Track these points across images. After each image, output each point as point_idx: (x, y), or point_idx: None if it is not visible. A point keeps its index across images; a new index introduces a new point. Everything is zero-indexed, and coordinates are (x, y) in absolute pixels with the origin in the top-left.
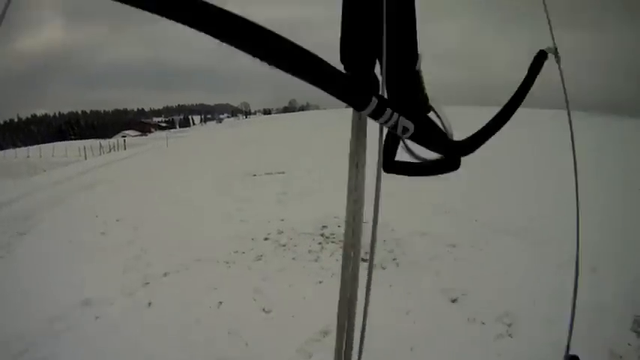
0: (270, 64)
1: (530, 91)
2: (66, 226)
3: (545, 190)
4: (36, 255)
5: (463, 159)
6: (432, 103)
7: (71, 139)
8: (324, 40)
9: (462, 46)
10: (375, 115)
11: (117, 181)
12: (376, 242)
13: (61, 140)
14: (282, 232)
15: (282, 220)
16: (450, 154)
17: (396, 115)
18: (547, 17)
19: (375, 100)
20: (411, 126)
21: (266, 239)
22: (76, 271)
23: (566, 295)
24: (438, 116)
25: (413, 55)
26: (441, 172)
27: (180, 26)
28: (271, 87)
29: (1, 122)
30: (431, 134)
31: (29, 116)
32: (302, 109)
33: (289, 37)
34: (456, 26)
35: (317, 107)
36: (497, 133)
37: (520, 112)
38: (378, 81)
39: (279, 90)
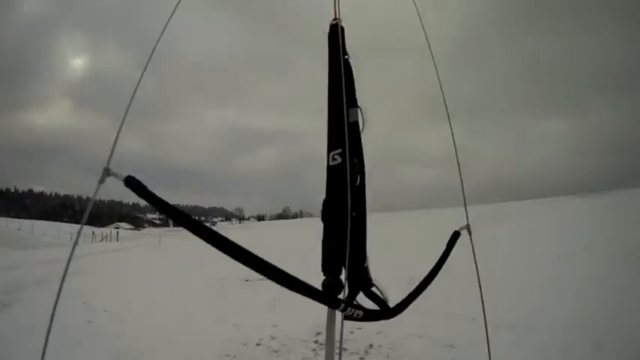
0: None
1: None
2: (51, 306)
3: (537, 280)
4: (18, 330)
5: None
6: (374, 282)
7: (64, 221)
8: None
9: (449, 152)
10: (342, 310)
11: (107, 272)
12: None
13: (54, 220)
14: (275, 337)
15: (275, 325)
16: (387, 314)
17: (353, 309)
18: (463, 198)
19: (341, 304)
20: (361, 313)
21: (258, 344)
22: (58, 354)
23: None
24: (379, 289)
25: (363, 258)
26: (381, 319)
27: (183, 128)
28: (266, 194)
29: None
30: (371, 313)
31: (26, 190)
32: (295, 216)
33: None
34: (440, 132)
35: (310, 215)
36: (490, 227)
37: (504, 205)
38: (342, 283)
39: (274, 197)
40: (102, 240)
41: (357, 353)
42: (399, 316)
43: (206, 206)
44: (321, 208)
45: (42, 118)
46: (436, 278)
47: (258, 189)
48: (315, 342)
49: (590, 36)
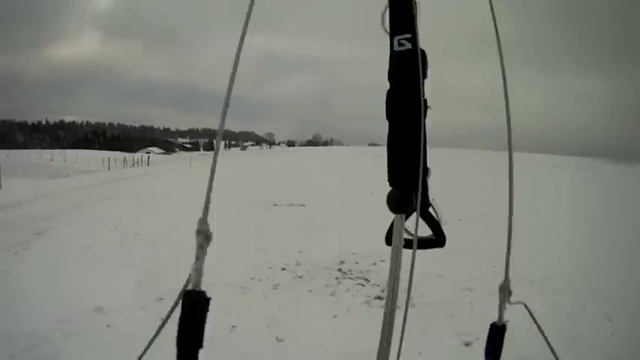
0: None
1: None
2: (84, 232)
3: (558, 237)
4: (52, 256)
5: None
6: (432, 201)
7: (96, 149)
8: (339, 77)
9: (483, 92)
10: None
11: (138, 196)
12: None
13: (85, 148)
14: (300, 263)
15: (301, 252)
16: (441, 237)
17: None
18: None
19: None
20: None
21: (283, 269)
22: (91, 277)
23: (581, 341)
24: (435, 211)
25: (426, 170)
26: (434, 247)
27: (212, 54)
28: (297, 120)
29: (30, 123)
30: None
31: (57, 121)
32: (325, 143)
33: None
34: (475, 72)
35: (340, 143)
36: (517, 181)
37: (541, 158)
38: (411, 198)
39: (304, 124)
40: (133, 165)
41: (379, 285)
42: (422, 254)
43: (237, 130)
44: (386, 104)
45: (72, 50)
46: (468, 220)
47: (289, 115)
48: (339, 270)
49: None
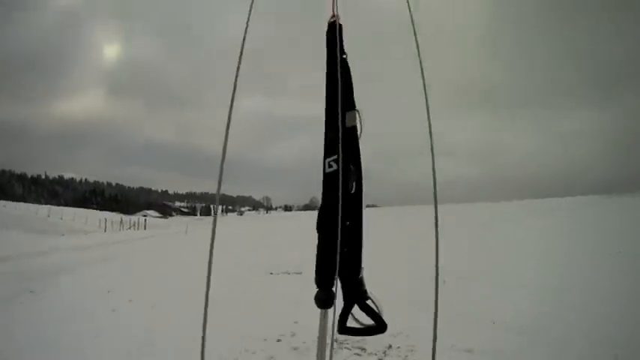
0: None
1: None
2: (76, 294)
3: (552, 285)
4: (42, 316)
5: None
6: (369, 294)
7: (93, 208)
8: None
9: (476, 142)
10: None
11: (133, 261)
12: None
13: (83, 207)
14: (295, 334)
15: (296, 322)
16: (381, 324)
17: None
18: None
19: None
20: (355, 327)
21: (279, 340)
22: (78, 344)
23: None
24: (374, 303)
25: (358, 270)
26: (375, 334)
27: (213, 119)
28: (294, 184)
29: (29, 176)
30: (364, 329)
31: (56, 176)
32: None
33: None
34: (469, 122)
35: None
36: (507, 231)
37: (536, 202)
38: (334, 296)
39: (301, 187)
40: (130, 227)
41: (375, 354)
42: (420, 319)
43: (234, 195)
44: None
45: (75, 106)
46: (461, 280)
47: (286, 179)
48: (336, 341)
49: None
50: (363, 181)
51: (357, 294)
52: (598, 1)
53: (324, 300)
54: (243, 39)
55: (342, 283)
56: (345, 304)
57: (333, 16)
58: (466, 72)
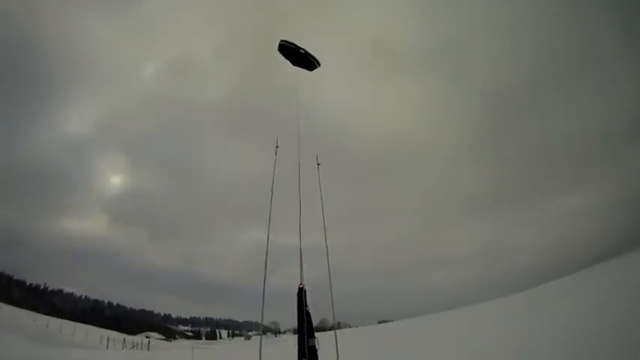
0: None
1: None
2: None
3: None
4: None
5: None
6: None
7: (93, 324)
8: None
9: (480, 244)
10: None
11: None
12: None
13: (82, 322)
14: None
15: None
16: None
17: None
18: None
19: None
20: None
21: None
22: None
23: None
24: None
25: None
26: None
27: (212, 246)
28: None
29: (28, 284)
30: None
31: (56, 289)
32: (332, 328)
33: None
34: (471, 228)
35: (348, 325)
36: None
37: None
38: None
39: (311, 309)
40: (133, 347)
41: None
42: None
43: (240, 320)
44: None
45: (78, 226)
46: None
47: (293, 303)
48: None
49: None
50: None
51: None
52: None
53: None
54: (271, 192)
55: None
56: None
57: (301, 283)
58: (449, 183)
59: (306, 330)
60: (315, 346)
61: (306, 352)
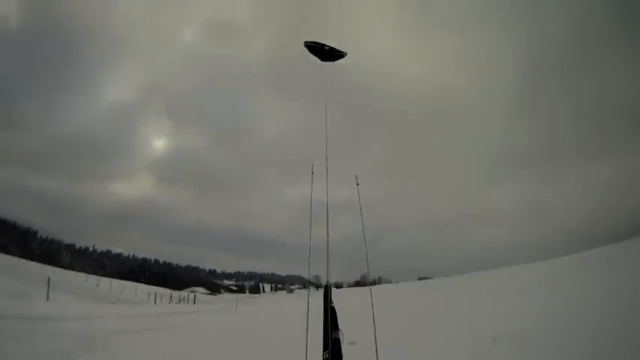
0: None
1: None
2: (133, 355)
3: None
4: None
5: None
6: None
7: (141, 282)
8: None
9: (521, 205)
10: None
11: (186, 331)
12: None
13: (131, 280)
14: None
15: None
16: None
17: None
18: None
19: None
20: None
21: None
22: None
23: None
24: None
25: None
26: None
27: (259, 202)
28: (344, 262)
29: (77, 247)
30: None
31: (104, 250)
32: (374, 282)
33: None
34: (517, 187)
35: (389, 281)
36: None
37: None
38: None
39: (351, 264)
40: (180, 302)
41: None
42: None
43: (283, 274)
44: None
45: (126, 189)
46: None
47: (335, 256)
48: None
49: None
50: None
51: None
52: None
53: None
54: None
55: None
56: None
57: (327, 281)
58: (495, 141)
59: (330, 323)
60: (338, 338)
61: (330, 345)
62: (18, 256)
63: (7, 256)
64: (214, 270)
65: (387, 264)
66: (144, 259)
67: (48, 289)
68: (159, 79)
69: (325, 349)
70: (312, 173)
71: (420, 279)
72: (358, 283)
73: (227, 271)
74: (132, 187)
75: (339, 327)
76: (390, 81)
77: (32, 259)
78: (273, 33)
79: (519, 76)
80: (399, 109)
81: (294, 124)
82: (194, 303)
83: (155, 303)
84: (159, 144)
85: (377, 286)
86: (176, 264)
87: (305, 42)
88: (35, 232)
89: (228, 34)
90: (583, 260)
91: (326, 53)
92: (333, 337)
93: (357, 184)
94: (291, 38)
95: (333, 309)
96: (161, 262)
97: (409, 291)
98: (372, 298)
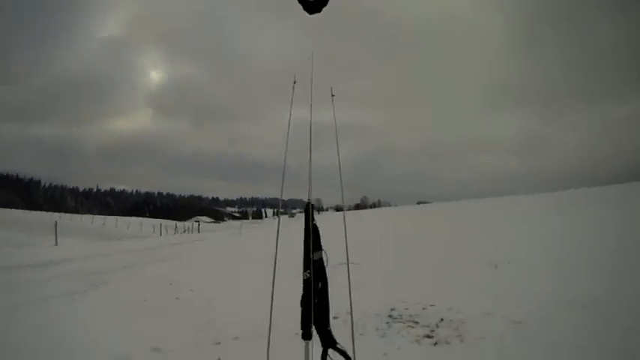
0: None
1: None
2: (140, 287)
3: (604, 262)
4: (109, 304)
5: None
6: (338, 345)
7: (146, 217)
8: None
9: (521, 136)
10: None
11: (191, 258)
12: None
13: (135, 215)
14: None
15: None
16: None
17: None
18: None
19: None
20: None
21: (335, 318)
22: (148, 323)
23: None
24: (342, 349)
25: (327, 323)
26: None
27: (258, 127)
28: (344, 184)
29: (81, 190)
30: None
31: (108, 189)
32: (374, 205)
33: None
34: (515, 116)
35: (388, 204)
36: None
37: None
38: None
39: (351, 188)
40: (184, 232)
41: (428, 326)
42: (471, 294)
43: (285, 198)
44: None
45: (124, 125)
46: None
47: (335, 180)
48: (389, 316)
49: None
50: None
51: (329, 340)
52: None
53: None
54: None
55: (317, 330)
56: (322, 346)
57: (309, 199)
58: (498, 72)
59: (312, 244)
60: (321, 258)
61: (311, 265)
62: (23, 209)
63: (14, 210)
64: (217, 198)
65: (386, 188)
66: (147, 194)
67: (56, 235)
68: (147, 10)
69: (306, 269)
70: (295, 83)
71: (419, 203)
72: (358, 206)
73: (229, 198)
74: (130, 122)
75: (323, 248)
76: (396, 5)
77: (38, 209)
78: None
79: (526, 8)
80: (402, 34)
81: (288, 47)
82: (198, 232)
83: (161, 235)
84: (154, 76)
85: (375, 209)
86: (179, 195)
87: None
88: (38, 182)
89: None
90: (581, 196)
91: (311, 4)
92: (315, 258)
93: (333, 95)
94: None
95: (315, 227)
96: (164, 194)
97: (405, 214)
98: (345, 222)
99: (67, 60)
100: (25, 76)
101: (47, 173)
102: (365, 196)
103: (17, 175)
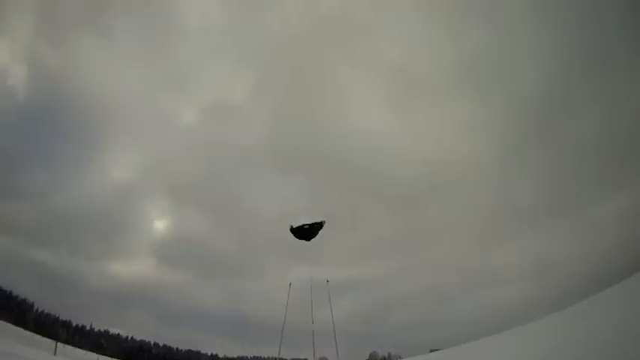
0: None
1: None
2: None
3: None
4: None
5: None
6: None
7: None
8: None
9: (529, 259)
10: None
11: None
12: None
13: None
14: None
15: None
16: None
17: None
18: None
19: None
20: None
21: None
22: None
23: None
24: None
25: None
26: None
27: (262, 284)
28: (350, 341)
29: (74, 324)
30: None
31: (102, 330)
32: (383, 359)
33: None
34: (519, 243)
35: (399, 357)
36: None
37: None
38: None
39: (359, 343)
40: None
41: None
42: None
43: (289, 358)
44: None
45: (126, 269)
46: None
47: (341, 337)
48: None
49: None
50: None
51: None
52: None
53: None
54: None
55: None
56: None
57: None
58: (494, 196)
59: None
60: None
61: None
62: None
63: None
64: (216, 355)
65: (396, 340)
66: (142, 342)
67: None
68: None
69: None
70: (290, 285)
71: (431, 351)
72: None
73: (229, 355)
74: (131, 268)
75: None
76: (389, 160)
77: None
78: (271, 114)
79: (512, 132)
80: (397, 186)
81: (294, 206)
82: None
83: None
84: (159, 225)
85: None
86: (176, 348)
87: (290, 228)
88: (32, 305)
89: (226, 116)
90: (589, 306)
91: (306, 232)
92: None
93: (327, 281)
94: (289, 119)
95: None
96: (160, 345)
97: None
98: None
99: (77, 190)
100: (33, 197)
101: (41, 298)
102: (374, 351)
103: (11, 292)
